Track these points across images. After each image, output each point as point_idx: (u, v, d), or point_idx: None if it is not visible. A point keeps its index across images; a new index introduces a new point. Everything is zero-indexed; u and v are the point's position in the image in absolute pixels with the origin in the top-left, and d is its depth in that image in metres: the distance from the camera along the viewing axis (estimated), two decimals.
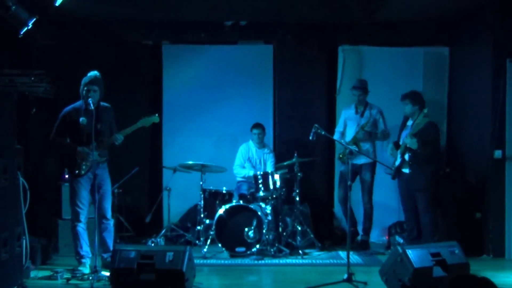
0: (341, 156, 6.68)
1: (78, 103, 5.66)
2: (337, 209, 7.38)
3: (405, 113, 6.34)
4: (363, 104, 6.79)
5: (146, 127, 5.73)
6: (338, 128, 6.97)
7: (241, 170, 7.10)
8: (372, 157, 6.59)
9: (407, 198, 6.32)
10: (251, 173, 6.82)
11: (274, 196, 6.52)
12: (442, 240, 5.76)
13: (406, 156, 6.14)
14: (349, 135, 6.76)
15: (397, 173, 6.28)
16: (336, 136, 6.78)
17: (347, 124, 6.87)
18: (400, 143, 6.28)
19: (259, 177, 6.55)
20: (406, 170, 6.19)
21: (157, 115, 5.73)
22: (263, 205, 6.57)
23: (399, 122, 7.30)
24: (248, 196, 6.66)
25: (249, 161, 7.13)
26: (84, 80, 5.56)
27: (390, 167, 6.26)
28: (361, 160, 6.63)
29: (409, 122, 6.31)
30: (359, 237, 6.88)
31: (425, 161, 6.06)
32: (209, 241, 6.36)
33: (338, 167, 7.27)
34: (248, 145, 7.16)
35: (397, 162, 6.25)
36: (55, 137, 5.65)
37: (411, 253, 4.63)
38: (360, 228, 6.89)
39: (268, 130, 7.35)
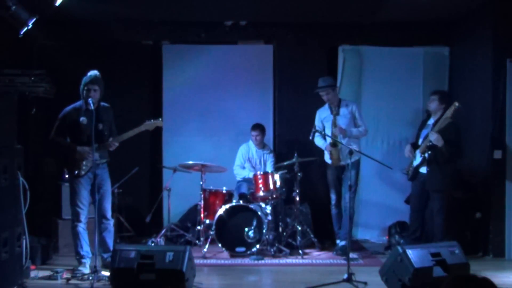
0: (335, 158, 6.44)
1: (78, 103, 5.64)
2: None
3: (429, 108, 6.19)
4: (336, 101, 6.47)
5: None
6: None
7: (241, 171, 7.10)
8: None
9: (419, 199, 6.23)
10: (251, 175, 6.80)
11: (274, 196, 6.52)
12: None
13: (427, 155, 5.98)
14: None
15: (415, 174, 6.14)
16: (318, 140, 6.50)
17: (325, 126, 6.54)
18: (419, 142, 6.14)
19: (259, 177, 6.55)
20: (423, 171, 6.08)
21: (161, 119, 5.73)
22: (263, 205, 6.57)
23: (399, 122, 7.33)
24: (248, 196, 6.66)
25: (249, 161, 7.12)
26: (85, 79, 5.54)
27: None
28: (347, 160, 6.20)
29: (430, 121, 6.15)
30: (339, 242, 6.50)
31: (445, 161, 5.92)
32: (209, 241, 6.37)
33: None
34: (248, 145, 7.16)
35: (416, 162, 6.11)
36: (54, 137, 5.63)
37: (411, 253, 4.63)
38: (343, 232, 6.42)
39: (268, 130, 7.34)
